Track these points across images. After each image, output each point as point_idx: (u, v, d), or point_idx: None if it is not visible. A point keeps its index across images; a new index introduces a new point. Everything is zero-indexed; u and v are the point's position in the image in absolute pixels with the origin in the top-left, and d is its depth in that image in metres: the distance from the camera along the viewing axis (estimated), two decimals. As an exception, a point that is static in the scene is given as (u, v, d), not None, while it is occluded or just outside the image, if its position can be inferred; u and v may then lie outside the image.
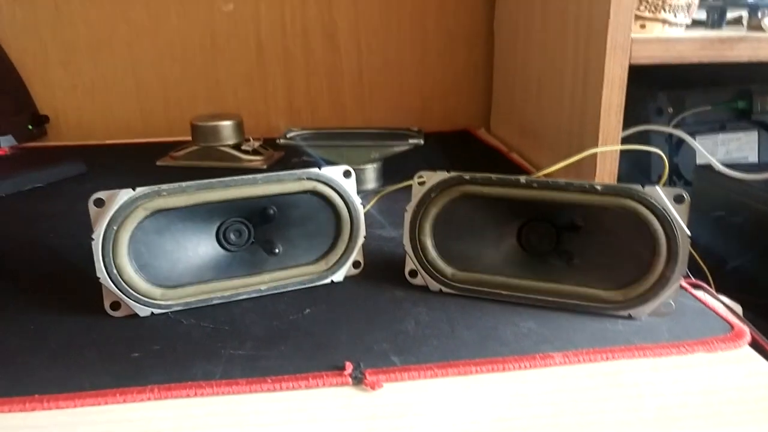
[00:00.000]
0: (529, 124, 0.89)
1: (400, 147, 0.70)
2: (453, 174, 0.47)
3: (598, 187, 0.44)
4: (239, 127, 0.83)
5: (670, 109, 1.01)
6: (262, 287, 0.47)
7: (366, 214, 0.51)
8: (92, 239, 0.43)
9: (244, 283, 0.47)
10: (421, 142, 0.70)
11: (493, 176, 0.46)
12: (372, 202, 0.57)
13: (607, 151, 0.62)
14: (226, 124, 0.82)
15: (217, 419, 0.35)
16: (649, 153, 0.77)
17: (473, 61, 1.10)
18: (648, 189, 0.43)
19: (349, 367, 0.38)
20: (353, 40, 1.06)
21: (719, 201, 0.74)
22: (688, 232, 0.42)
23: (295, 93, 1.08)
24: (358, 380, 0.37)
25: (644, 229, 0.43)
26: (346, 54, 1.07)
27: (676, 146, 0.99)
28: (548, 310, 0.45)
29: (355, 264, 0.51)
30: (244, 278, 0.47)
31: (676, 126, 0.93)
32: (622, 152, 0.66)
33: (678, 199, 0.43)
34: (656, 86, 1.00)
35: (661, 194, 0.43)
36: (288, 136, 0.74)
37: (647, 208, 0.43)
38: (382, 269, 0.52)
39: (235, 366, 0.39)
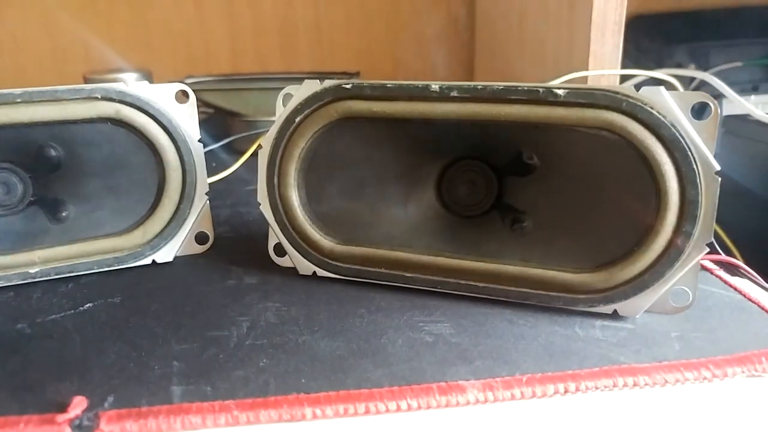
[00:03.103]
0: (511, 71, 0.71)
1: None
2: (329, 83, 0.29)
3: (561, 93, 0.25)
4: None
5: (692, 65, 0.83)
6: (32, 270, 0.30)
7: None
8: None
9: (4, 264, 0.30)
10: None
11: (390, 83, 0.28)
12: (247, 155, 0.39)
13: (600, 76, 0.44)
14: (128, 77, 0.65)
15: None
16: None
17: (453, 15, 0.92)
18: (645, 91, 0.24)
19: (78, 404, 0.21)
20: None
21: (757, 158, 0.55)
22: (717, 167, 0.24)
23: (241, 55, 0.91)
24: (85, 429, 0.20)
25: (639, 163, 0.25)
26: (301, 6, 0.90)
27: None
28: (479, 303, 0.27)
29: (200, 238, 0.33)
30: (5, 256, 0.30)
31: (698, 87, 0.74)
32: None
33: (698, 110, 0.24)
34: (675, 39, 0.81)
35: (668, 100, 0.24)
36: (186, 82, 0.57)
37: (644, 125, 0.25)
38: (248, 247, 0.34)
39: None
